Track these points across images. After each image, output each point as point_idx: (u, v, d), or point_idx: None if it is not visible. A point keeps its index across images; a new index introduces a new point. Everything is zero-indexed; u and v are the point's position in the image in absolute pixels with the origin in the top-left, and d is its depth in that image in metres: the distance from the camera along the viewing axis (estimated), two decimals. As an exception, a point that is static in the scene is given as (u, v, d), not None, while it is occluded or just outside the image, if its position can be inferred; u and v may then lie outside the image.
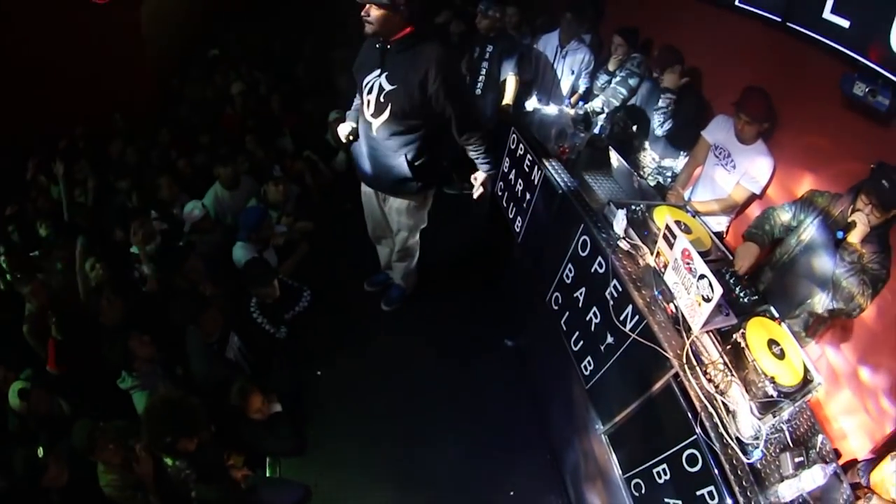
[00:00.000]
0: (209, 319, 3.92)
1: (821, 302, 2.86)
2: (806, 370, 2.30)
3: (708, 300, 2.21)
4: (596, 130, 4.14)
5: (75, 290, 4.85)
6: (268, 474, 3.71)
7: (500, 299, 4.51)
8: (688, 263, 2.33)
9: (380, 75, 3.20)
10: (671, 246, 2.44)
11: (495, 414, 3.86)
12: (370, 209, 4.09)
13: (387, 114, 3.27)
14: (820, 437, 2.32)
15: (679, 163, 4.22)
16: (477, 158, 3.54)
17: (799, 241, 2.96)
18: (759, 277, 3.11)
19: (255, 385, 3.76)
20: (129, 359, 3.80)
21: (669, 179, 4.20)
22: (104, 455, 3.36)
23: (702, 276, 2.24)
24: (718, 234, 3.44)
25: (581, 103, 4.79)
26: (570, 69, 4.95)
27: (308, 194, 5.62)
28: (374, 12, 2.97)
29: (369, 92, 3.27)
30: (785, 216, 3.02)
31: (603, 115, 4.52)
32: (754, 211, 3.72)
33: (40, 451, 3.33)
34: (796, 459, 2.14)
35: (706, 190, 3.79)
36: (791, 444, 2.26)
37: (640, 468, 2.56)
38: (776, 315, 2.51)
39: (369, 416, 3.93)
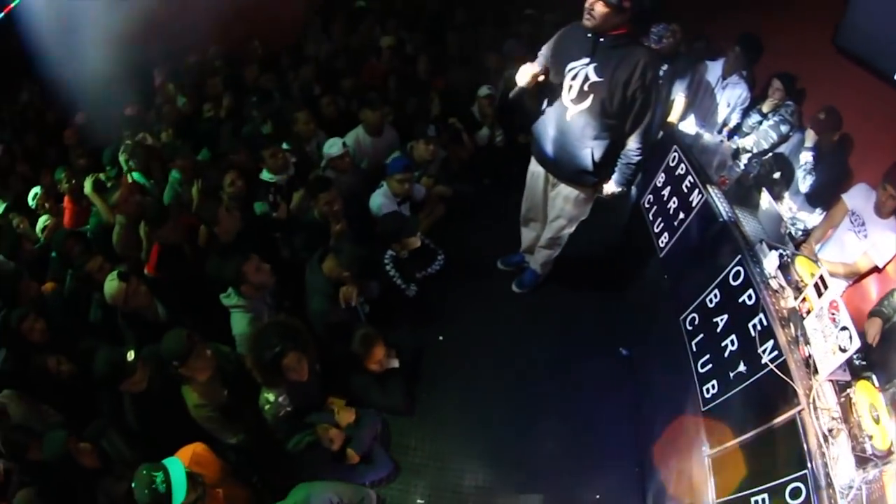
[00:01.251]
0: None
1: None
2: (892, 441, 2.40)
3: (844, 350, 2.37)
4: (742, 168, 4.25)
5: (187, 200, 5.02)
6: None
7: (624, 307, 4.52)
8: (832, 314, 2.48)
9: (588, 64, 3.33)
10: (820, 295, 2.59)
11: (595, 416, 3.90)
12: (533, 190, 4.19)
13: (587, 103, 3.40)
14: (885, 509, 2.41)
15: (812, 218, 4.27)
16: (621, 169, 3.69)
17: (903, 317, 3.06)
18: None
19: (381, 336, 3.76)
20: (240, 279, 3.78)
21: (800, 232, 4.30)
22: (195, 368, 3.35)
23: (843, 328, 2.39)
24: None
25: (736, 137, 4.88)
26: (726, 101, 5.01)
27: (449, 162, 5.71)
28: (599, 8, 3.14)
29: (573, 77, 3.39)
30: None
31: (749, 154, 4.62)
32: (870, 282, 3.78)
33: (130, 355, 3.34)
34: (869, 518, 2.26)
35: (834, 251, 3.85)
36: (865, 504, 2.38)
37: (738, 494, 2.63)
38: (877, 384, 2.61)
39: (480, 392, 4.03)
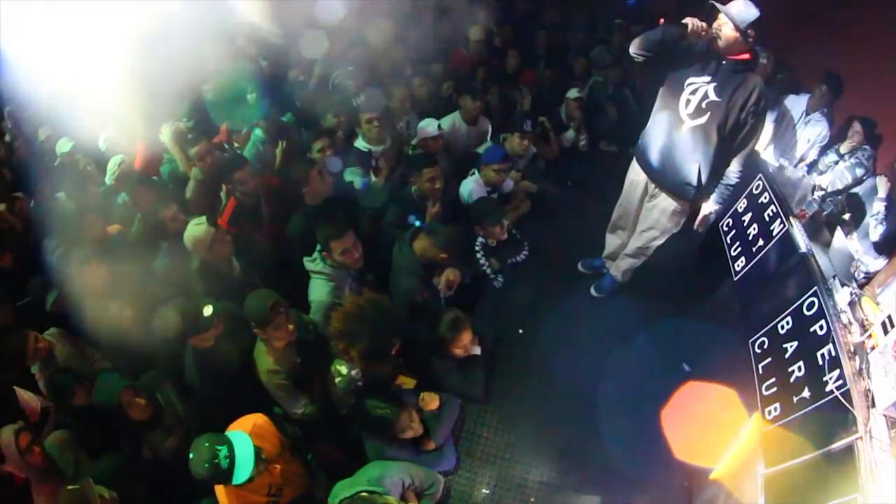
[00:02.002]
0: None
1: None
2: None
3: (902, 386, 2.58)
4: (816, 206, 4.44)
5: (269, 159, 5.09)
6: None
7: (690, 324, 4.41)
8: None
9: (709, 83, 3.52)
10: (886, 333, 2.81)
11: (653, 425, 3.84)
12: (629, 198, 4.31)
13: (702, 120, 3.57)
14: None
15: (875, 263, 4.41)
16: (720, 190, 3.85)
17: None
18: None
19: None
20: (327, 248, 3.71)
21: (863, 275, 4.48)
22: (273, 335, 3.30)
23: (906, 366, 2.62)
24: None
25: (814, 173, 5.02)
26: (807, 137, 5.16)
27: (536, 159, 5.83)
28: (728, 32, 3.36)
29: (692, 93, 3.57)
30: None
31: (823, 193, 4.78)
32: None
33: (208, 309, 3.26)
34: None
35: (894, 297, 4.07)
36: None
37: (789, 514, 2.77)
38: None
39: (551, 389, 4.07)
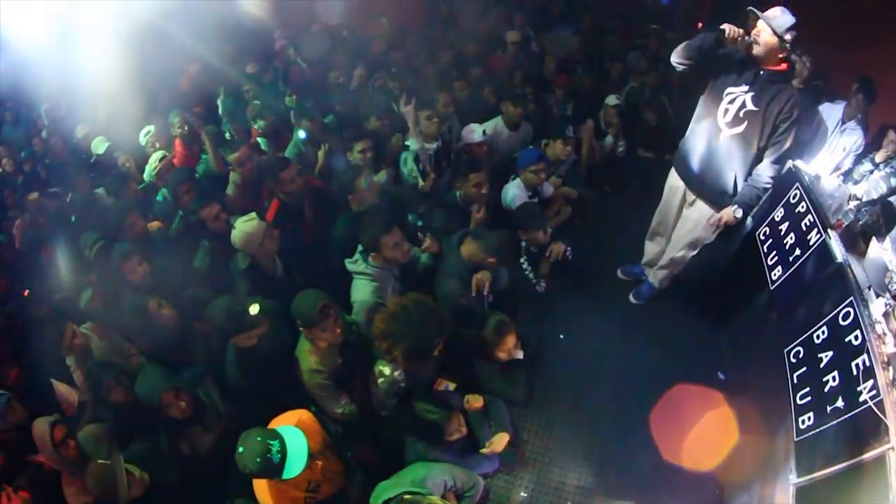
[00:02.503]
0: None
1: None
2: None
3: (933, 397, 2.67)
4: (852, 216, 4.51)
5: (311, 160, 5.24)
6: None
7: (725, 332, 4.57)
8: (928, 364, 2.83)
9: (747, 92, 3.59)
10: None
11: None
12: (668, 205, 4.39)
13: (740, 129, 3.65)
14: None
15: None
16: (744, 190, 3.89)
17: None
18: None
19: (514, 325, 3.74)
20: (376, 248, 3.73)
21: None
22: (318, 336, 3.34)
23: (936, 378, 2.73)
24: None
25: (850, 183, 5.06)
26: (842, 146, 5.20)
27: (577, 165, 5.93)
28: (766, 38, 3.43)
29: (731, 102, 3.65)
30: None
31: (857, 202, 4.84)
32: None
33: (255, 308, 3.27)
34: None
35: None
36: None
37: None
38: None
39: (590, 394, 4.16)
